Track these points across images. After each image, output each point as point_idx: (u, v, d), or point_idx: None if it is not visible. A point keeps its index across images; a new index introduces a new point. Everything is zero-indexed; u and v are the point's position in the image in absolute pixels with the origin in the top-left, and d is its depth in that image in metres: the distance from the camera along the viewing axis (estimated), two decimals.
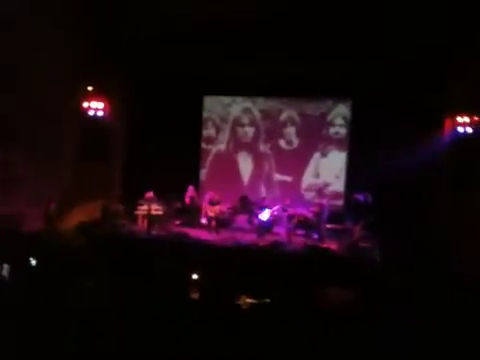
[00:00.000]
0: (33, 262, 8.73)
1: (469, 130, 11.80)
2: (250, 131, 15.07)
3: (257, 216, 12.81)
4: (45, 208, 11.94)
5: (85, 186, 12.98)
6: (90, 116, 13.16)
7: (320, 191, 14.44)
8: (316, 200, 13.70)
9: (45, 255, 8.90)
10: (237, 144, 15.17)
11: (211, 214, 12.99)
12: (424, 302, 7.68)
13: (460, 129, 11.94)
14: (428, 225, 12.71)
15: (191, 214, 13.64)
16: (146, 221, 12.57)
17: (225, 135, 15.23)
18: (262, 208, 12.77)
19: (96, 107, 13.19)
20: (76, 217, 12.83)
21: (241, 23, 11.24)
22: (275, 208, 12.72)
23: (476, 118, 11.65)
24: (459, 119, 11.94)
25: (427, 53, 11.58)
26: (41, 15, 10.36)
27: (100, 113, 13.25)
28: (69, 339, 5.76)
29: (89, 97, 13.10)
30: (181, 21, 11.46)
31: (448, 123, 12.44)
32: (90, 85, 12.97)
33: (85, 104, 13.10)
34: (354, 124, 14.20)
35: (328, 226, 12.56)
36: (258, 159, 15.00)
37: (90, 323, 6.10)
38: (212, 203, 13.11)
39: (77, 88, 12.57)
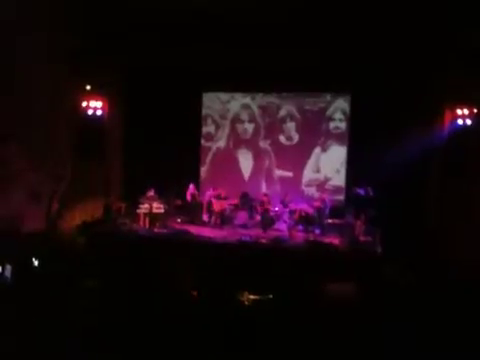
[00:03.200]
0: (36, 262, 8.74)
1: (468, 122, 11.79)
2: (250, 127, 15.04)
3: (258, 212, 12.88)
4: (47, 208, 11.94)
5: (85, 185, 12.99)
6: (89, 115, 13.15)
7: (321, 186, 14.44)
8: (320, 194, 13.70)
9: (48, 255, 8.91)
10: (237, 141, 15.14)
11: (217, 209, 13.00)
12: (425, 295, 7.70)
13: (460, 121, 11.94)
14: (429, 216, 12.75)
15: (192, 211, 13.64)
16: (147, 219, 12.57)
17: (225, 132, 15.21)
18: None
19: (94, 106, 13.18)
20: (78, 216, 12.84)
21: (239, 19, 11.18)
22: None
23: (475, 110, 11.63)
24: (458, 111, 11.93)
25: (426, 46, 11.55)
26: (36, 15, 10.33)
27: (99, 112, 13.24)
28: (72, 338, 5.77)
29: (87, 96, 13.09)
30: (178, 17, 11.42)
31: (448, 115, 12.44)
32: (88, 84, 12.95)
33: (83, 103, 13.09)
34: (353, 118, 14.17)
35: (329, 221, 12.57)
36: (258, 155, 14.98)
37: (93, 322, 6.12)
38: (219, 198, 13.13)
39: (74, 87, 12.54)
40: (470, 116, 11.74)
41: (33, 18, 10.32)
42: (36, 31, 10.48)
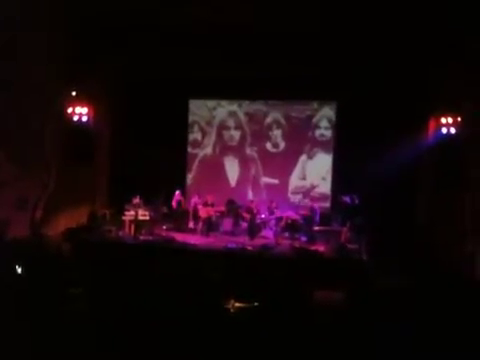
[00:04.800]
0: (19, 270, 8.63)
1: (452, 130, 11.92)
2: (236, 134, 15.07)
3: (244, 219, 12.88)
4: (31, 214, 11.81)
5: (71, 191, 12.88)
6: (75, 121, 13.06)
7: (307, 193, 14.49)
8: (306, 201, 13.80)
9: (32, 262, 8.80)
10: (223, 148, 15.15)
11: (203, 215, 12.97)
12: (412, 302, 7.74)
13: (444, 130, 12.07)
14: (415, 225, 12.86)
15: (178, 218, 13.59)
16: (133, 226, 12.49)
17: (211, 139, 15.21)
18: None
19: (80, 112, 13.09)
20: (62, 223, 12.72)
21: (226, 26, 11.23)
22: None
23: (459, 119, 11.78)
24: (443, 120, 12.06)
25: (411, 55, 11.69)
26: (24, 19, 10.26)
27: (84, 118, 13.16)
28: (57, 346, 5.70)
29: (73, 102, 13.00)
30: (165, 25, 11.43)
31: (432, 124, 12.58)
32: (74, 90, 12.87)
33: (69, 109, 12.99)
34: (339, 126, 14.27)
35: (316, 228, 12.60)
36: (245, 162, 15.00)
37: (78, 330, 6.05)
38: (206, 204, 13.11)
39: (61, 93, 12.46)
40: (454, 124, 11.88)
41: (21, 22, 10.24)
42: (22, 35, 10.39)
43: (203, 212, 13.02)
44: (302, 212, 12.67)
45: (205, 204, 13.16)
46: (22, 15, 10.12)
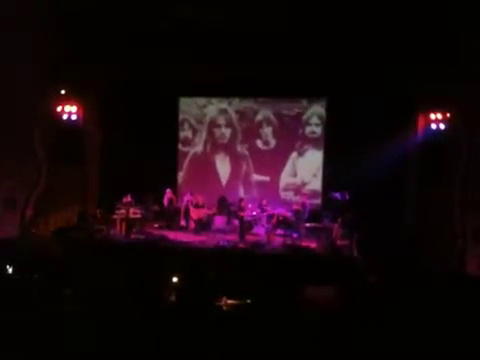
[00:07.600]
0: (9, 270, 8.59)
1: (442, 126, 12.00)
2: (227, 132, 15.05)
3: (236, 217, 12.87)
4: (21, 214, 11.74)
5: (61, 191, 12.81)
6: (64, 119, 12.98)
7: (298, 190, 14.52)
8: (297, 198, 13.84)
9: (22, 262, 8.76)
10: (214, 145, 15.13)
11: (195, 217, 12.96)
12: (401, 298, 7.79)
13: (433, 126, 12.14)
14: (405, 221, 12.94)
15: (170, 217, 13.57)
16: (124, 225, 12.45)
17: (202, 136, 15.19)
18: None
19: (69, 111, 13.02)
20: (53, 222, 12.65)
21: (215, 25, 11.23)
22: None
23: (448, 114, 11.85)
24: (432, 116, 12.13)
25: (399, 52, 11.75)
26: (10, 18, 10.18)
27: (74, 117, 13.09)
28: (47, 347, 5.68)
29: (62, 101, 12.92)
30: (155, 23, 11.41)
31: (421, 120, 12.65)
32: (63, 88, 12.79)
33: (58, 108, 12.92)
34: (329, 123, 14.30)
35: (307, 225, 12.63)
36: (236, 160, 14.99)
37: (69, 330, 6.02)
38: (197, 206, 13.09)
39: (49, 91, 12.38)
40: (443, 120, 11.95)
41: (12, 20, 10.17)
42: (11, 33, 10.31)
43: (194, 214, 13.01)
44: (295, 207, 12.69)
45: (196, 205, 13.13)
46: (8, 14, 10.04)
